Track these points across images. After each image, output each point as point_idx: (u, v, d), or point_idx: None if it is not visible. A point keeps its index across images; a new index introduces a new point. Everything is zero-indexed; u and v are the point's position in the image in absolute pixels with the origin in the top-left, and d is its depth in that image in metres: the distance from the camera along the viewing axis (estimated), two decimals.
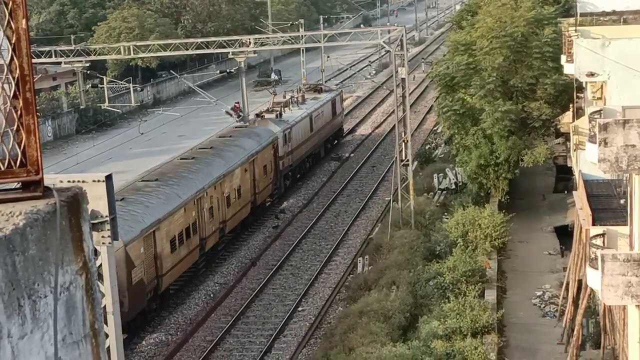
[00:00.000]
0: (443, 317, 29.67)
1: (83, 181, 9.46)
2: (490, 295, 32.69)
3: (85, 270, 3.98)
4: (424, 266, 36.01)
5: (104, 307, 10.89)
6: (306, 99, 61.19)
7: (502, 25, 41.55)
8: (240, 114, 59.72)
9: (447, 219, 40.31)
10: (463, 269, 33.26)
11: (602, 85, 30.53)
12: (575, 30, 33.79)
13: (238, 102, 63.44)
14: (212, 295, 40.08)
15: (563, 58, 34.37)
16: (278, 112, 55.64)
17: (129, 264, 33.24)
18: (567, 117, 42.47)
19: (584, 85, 33.71)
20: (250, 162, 47.69)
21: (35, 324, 3.66)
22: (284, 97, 60.85)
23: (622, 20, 41.17)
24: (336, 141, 67.61)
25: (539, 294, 34.35)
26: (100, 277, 10.75)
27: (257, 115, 56.13)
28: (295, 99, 60.18)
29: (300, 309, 37.91)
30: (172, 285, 39.00)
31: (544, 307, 33.37)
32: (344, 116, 71.44)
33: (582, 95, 37.33)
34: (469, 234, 37.04)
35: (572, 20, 41.11)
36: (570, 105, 41.07)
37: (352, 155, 65.49)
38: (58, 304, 3.74)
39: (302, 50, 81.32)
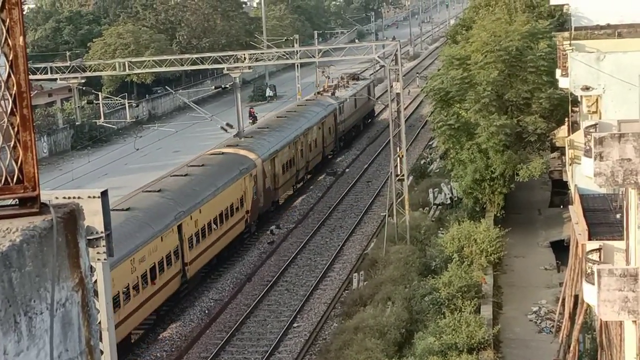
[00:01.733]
0: (439, 333, 29.59)
1: (78, 197, 9.41)
2: (486, 311, 32.61)
3: (81, 287, 3.95)
4: (420, 281, 35.96)
5: (99, 323, 10.84)
6: (349, 84, 76.02)
7: (497, 40, 41.65)
8: (256, 117, 73.20)
9: (443, 234, 40.27)
10: (459, 284, 33.19)
11: (597, 99, 30.56)
12: (570, 44, 33.85)
13: (253, 108, 79.35)
14: (207, 311, 39.97)
15: (558, 72, 34.43)
16: (332, 91, 71.12)
17: (264, 175, 49.93)
18: (562, 131, 42.48)
19: (579, 99, 33.73)
20: (321, 123, 63.04)
21: (31, 341, 3.63)
22: (331, 83, 76.34)
23: (616, 33, 41.25)
24: (370, 120, 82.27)
25: (535, 309, 34.29)
26: (96, 293, 10.71)
27: (318, 92, 72.32)
28: (342, 84, 75.06)
29: (295, 324, 37.82)
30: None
31: (540, 322, 33.30)
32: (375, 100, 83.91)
33: (577, 109, 37.35)
34: (465, 249, 36.99)
35: (566, 34, 41.15)
36: (566, 119, 41.09)
37: (347, 170, 65.53)
38: (54, 321, 3.72)
39: (297, 65, 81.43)
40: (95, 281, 10.65)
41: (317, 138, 62.14)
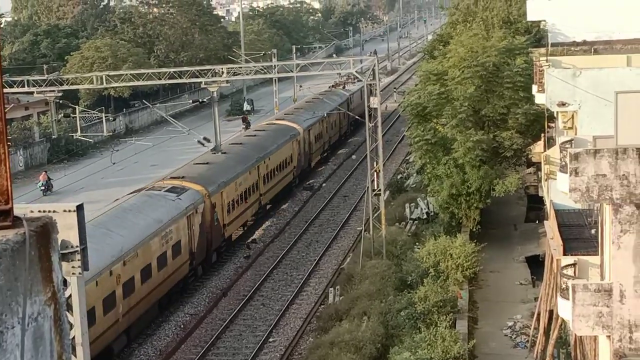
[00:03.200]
0: (414, 348, 29.59)
1: (54, 211, 9.37)
2: (462, 326, 32.66)
3: (53, 301, 3.93)
4: (396, 296, 35.96)
5: (73, 338, 10.77)
6: (355, 81, 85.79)
7: (474, 55, 41.86)
8: (249, 122, 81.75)
9: (419, 248, 40.31)
10: (434, 299, 33.24)
11: (573, 115, 30.77)
12: (547, 60, 34.09)
13: (246, 114, 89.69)
14: (182, 325, 39.79)
15: (534, 88, 34.63)
16: (343, 85, 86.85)
17: (304, 142, 65.15)
18: (538, 146, 42.77)
19: (555, 114, 33.95)
20: (341, 105, 76.50)
21: (2, 355, 3.60)
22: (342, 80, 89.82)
23: (592, 50, 41.61)
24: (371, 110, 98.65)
25: (510, 324, 34.38)
26: (70, 308, 10.65)
27: (332, 86, 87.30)
28: (350, 81, 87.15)
29: (271, 339, 37.70)
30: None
31: (515, 337, 33.38)
32: None
33: (553, 124, 37.58)
34: (441, 263, 37.04)
35: (543, 50, 41.47)
36: (542, 134, 41.38)
37: (324, 185, 65.56)
38: (26, 335, 3.69)
39: (275, 79, 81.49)
40: (70, 296, 10.59)
41: (336, 120, 76.30)
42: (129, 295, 35.30)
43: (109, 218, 37.12)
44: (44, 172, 67.50)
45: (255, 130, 62.30)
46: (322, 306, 40.61)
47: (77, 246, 9.64)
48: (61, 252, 9.11)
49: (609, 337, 20.29)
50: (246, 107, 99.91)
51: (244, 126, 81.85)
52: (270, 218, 56.80)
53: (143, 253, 36.82)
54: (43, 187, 64.97)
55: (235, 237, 50.94)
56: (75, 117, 63.74)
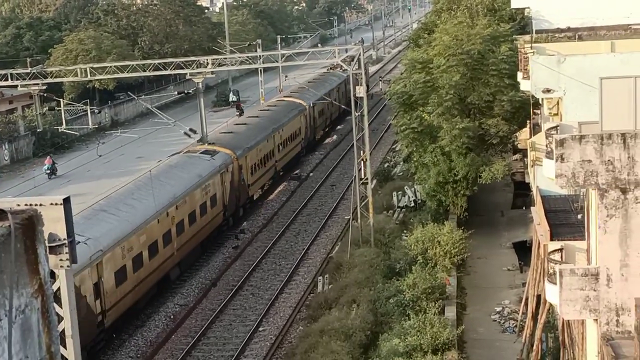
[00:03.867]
0: (404, 335, 29.69)
1: (40, 204, 9.36)
2: (450, 312, 32.79)
3: (41, 293, 3.94)
4: (384, 284, 36.06)
5: (63, 330, 10.76)
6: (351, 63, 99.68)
7: (459, 43, 41.87)
8: (242, 110, 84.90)
9: (407, 236, 40.42)
10: (423, 286, 33.34)
11: (558, 102, 30.85)
12: (531, 47, 34.13)
13: (240, 102, 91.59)
14: (172, 316, 39.80)
15: (519, 75, 34.67)
16: (342, 68, 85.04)
17: (310, 116, 71.88)
18: (524, 133, 42.82)
19: (540, 101, 34.01)
20: (337, 87, 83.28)
21: None
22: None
23: (577, 37, 41.67)
24: (368, 90, 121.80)
25: (498, 309, 34.52)
26: (58, 300, 10.64)
27: (331, 68, 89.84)
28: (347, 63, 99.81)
29: (261, 329, 37.77)
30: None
31: (503, 322, 33.53)
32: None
33: (538, 111, 37.67)
34: (429, 251, 37.16)
35: (527, 37, 41.45)
36: (527, 121, 41.44)
37: (311, 174, 65.55)
38: (13, 327, 3.69)
39: (260, 70, 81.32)
40: (59, 288, 10.58)
41: (336, 98, 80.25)
42: (180, 234, 42.70)
43: (160, 172, 44.87)
44: (49, 157, 70.07)
45: (268, 105, 69.07)
46: (311, 295, 40.70)
47: (64, 239, 9.62)
48: (49, 244, 9.13)
49: (596, 320, 20.40)
50: (232, 97, 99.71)
51: (238, 113, 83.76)
52: (258, 209, 56.79)
53: (190, 200, 44.12)
54: (49, 171, 67.80)
55: (256, 197, 57.92)
56: (60, 110, 63.53)
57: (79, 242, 31.08)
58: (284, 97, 73.08)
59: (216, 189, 48.03)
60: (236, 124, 61.32)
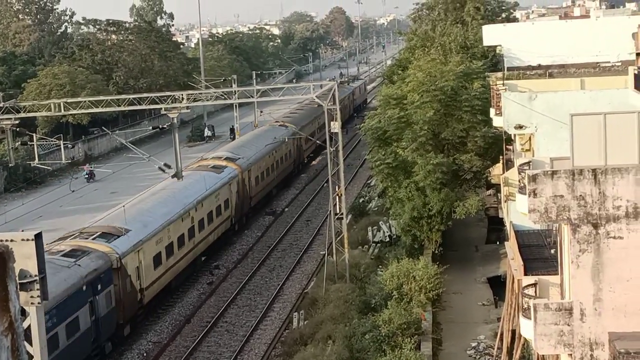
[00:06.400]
0: None
1: (12, 240, 9.28)
2: (426, 348, 32.72)
3: (11, 331, 3.90)
4: (360, 319, 35.96)
5: None
6: (354, 81, 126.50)
7: (433, 80, 42.17)
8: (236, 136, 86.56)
9: (382, 271, 40.39)
10: (398, 321, 33.28)
11: (530, 137, 31.10)
12: (503, 84, 34.45)
13: (232, 128, 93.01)
14: (145, 354, 39.46)
15: (492, 111, 34.96)
16: (347, 82, 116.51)
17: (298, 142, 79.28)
18: (497, 168, 43.07)
19: (512, 137, 34.29)
20: (346, 99, 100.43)
21: None
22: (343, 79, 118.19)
23: (547, 74, 42.16)
24: (365, 104, 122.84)
25: (474, 344, 34.49)
26: (29, 338, 10.53)
27: (340, 82, 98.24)
28: (349, 81, 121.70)
29: None
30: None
31: (479, 357, 33.49)
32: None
33: (511, 147, 37.95)
34: (404, 286, 37.13)
35: (499, 74, 41.92)
36: (500, 157, 41.69)
37: (286, 209, 65.50)
38: None
39: (235, 105, 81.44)
40: (29, 326, 10.47)
41: (345, 108, 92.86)
42: (201, 231, 50.25)
43: (181, 183, 50.13)
44: (87, 164, 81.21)
45: (261, 129, 76.69)
46: (286, 331, 40.50)
47: (36, 275, 9.55)
48: (19, 281, 9.05)
49: (570, 355, 20.44)
50: (207, 132, 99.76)
51: (232, 137, 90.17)
52: (233, 244, 56.62)
53: (207, 203, 51.78)
54: (87, 175, 77.78)
55: (257, 207, 63.82)
56: (33, 144, 63.17)
57: (126, 233, 41.09)
58: (275, 121, 78.63)
59: (226, 197, 55.68)
60: (239, 143, 69.57)
